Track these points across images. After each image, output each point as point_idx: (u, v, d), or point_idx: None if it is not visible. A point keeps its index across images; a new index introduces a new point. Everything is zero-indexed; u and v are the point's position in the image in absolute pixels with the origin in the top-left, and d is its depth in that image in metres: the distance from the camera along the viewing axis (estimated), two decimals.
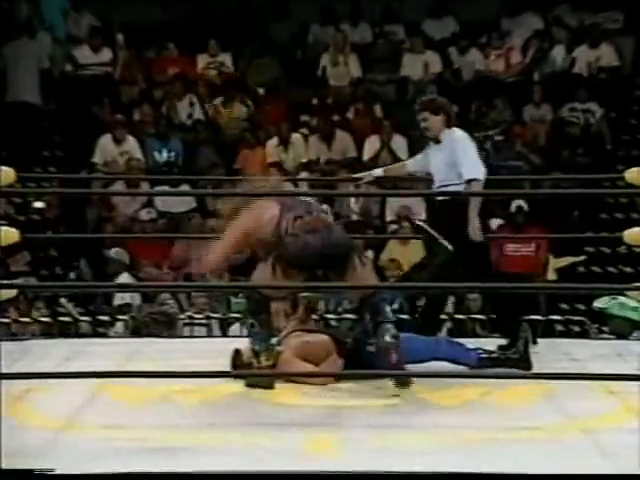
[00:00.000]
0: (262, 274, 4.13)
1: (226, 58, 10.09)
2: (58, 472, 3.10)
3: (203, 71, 10.07)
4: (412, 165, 5.09)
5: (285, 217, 4.09)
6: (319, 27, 10.29)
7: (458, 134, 4.78)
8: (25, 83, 9.47)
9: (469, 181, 4.66)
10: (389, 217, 8.72)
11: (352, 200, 8.74)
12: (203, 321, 7.19)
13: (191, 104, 9.72)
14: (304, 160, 9.22)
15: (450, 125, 4.79)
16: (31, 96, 9.50)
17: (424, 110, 4.84)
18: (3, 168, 3.51)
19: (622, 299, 5.64)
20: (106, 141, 9.12)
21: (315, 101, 9.80)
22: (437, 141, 4.81)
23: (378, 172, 5.16)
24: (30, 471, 3.11)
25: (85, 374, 3.94)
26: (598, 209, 8.93)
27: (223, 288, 6.98)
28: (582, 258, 8.48)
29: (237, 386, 4.09)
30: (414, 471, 3.14)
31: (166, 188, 8.29)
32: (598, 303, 5.88)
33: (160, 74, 10.02)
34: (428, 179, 4.90)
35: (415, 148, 9.25)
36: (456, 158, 4.69)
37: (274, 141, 9.30)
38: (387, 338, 4.07)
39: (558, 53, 9.93)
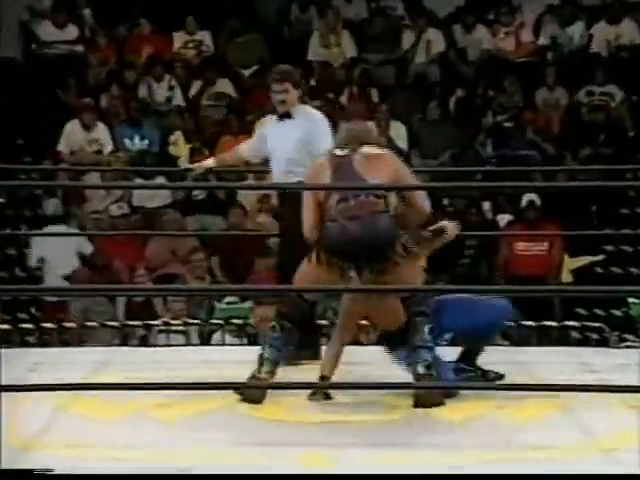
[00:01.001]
0: (304, 264, 4.11)
1: (205, 36, 10.08)
2: (57, 472, 3.22)
3: (180, 51, 10.06)
4: (247, 151, 5.08)
5: (332, 196, 4.07)
6: (306, 1, 10.27)
7: (316, 112, 4.93)
8: None
9: None
10: None
11: None
12: (180, 328, 7.19)
13: (170, 87, 9.70)
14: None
15: (302, 100, 4.93)
16: None
17: (286, 81, 4.91)
18: None
19: None
20: (73, 128, 9.09)
21: (308, 83, 9.78)
22: (288, 116, 4.86)
23: (209, 162, 5.21)
24: (30, 471, 3.25)
25: (69, 386, 3.93)
26: (619, 203, 8.94)
27: (209, 292, 6.98)
28: (600, 258, 8.49)
29: (218, 400, 4.10)
30: (413, 472, 3.15)
31: (140, 181, 8.29)
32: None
33: (132, 54, 10.00)
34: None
35: (417, 135, 9.32)
36: (314, 136, 4.79)
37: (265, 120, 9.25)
38: (420, 369, 4.04)
39: (575, 30, 9.94)
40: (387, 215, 4.00)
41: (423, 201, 4.13)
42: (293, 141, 4.84)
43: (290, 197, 4.71)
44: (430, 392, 4.04)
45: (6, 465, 3.31)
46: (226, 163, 5.28)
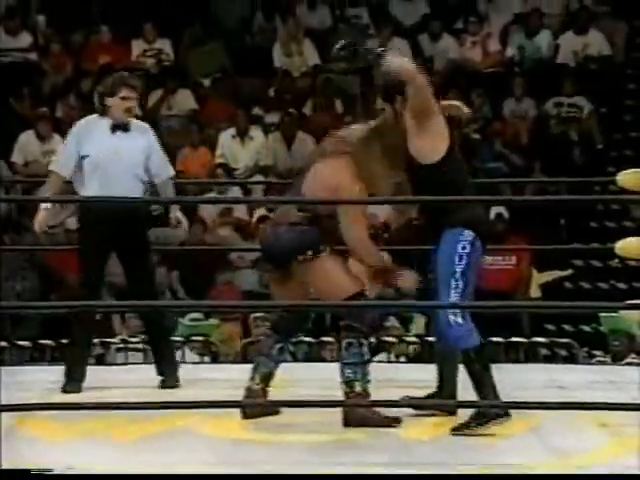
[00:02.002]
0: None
1: (165, 45, 10.06)
2: (57, 472, 3.26)
3: (138, 59, 10.03)
4: (66, 171, 4.85)
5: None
6: (269, 10, 10.28)
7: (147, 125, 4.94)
8: None
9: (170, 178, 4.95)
10: None
11: None
12: (139, 346, 7.14)
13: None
14: (261, 160, 9.21)
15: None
16: None
17: (135, 89, 4.88)
18: None
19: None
20: (28, 138, 9.03)
21: (269, 94, 9.79)
22: (126, 128, 4.83)
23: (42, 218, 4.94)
24: (29, 471, 3.30)
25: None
26: (587, 217, 9.01)
27: (171, 307, 6.93)
28: (569, 272, 8.55)
29: (175, 419, 4.08)
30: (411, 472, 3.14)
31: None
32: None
33: (89, 62, 9.95)
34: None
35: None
36: (152, 151, 4.85)
37: (230, 132, 9.27)
38: (344, 387, 4.09)
39: (542, 41, 10.01)
40: (297, 227, 4.14)
41: (348, 230, 4.10)
42: (137, 154, 4.83)
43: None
44: (354, 411, 4.04)
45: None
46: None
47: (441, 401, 4.20)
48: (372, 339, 4.20)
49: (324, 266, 4.11)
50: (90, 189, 4.77)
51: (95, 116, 4.89)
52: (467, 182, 4.24)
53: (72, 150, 4.82)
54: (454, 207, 4.12)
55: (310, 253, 4.11)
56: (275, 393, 4.24)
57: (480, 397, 3.99)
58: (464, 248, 4.12)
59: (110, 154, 4.78)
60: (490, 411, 3.98)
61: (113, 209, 4.77)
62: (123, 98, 4.80)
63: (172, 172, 5.05)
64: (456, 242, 4.11)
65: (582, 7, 10.19)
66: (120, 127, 4.81)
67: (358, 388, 4.09)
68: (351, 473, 3.46)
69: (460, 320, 4.04)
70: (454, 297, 4.07)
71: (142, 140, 4.86)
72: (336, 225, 4.13)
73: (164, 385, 4.79)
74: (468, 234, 4.12)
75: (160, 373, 4.84)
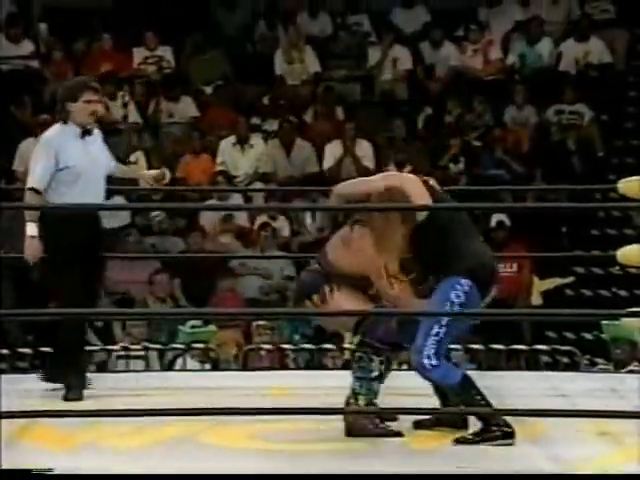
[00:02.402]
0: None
1: (166, 52, 10.07)
2: (57, 472, 3.27)
3: (140, 67, 10.04)
4: (44, 185, 4.75)
5: None
6: (270, 18, 10.30)
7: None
8: None
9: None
10: None
11: (308, 218, 8.78)
12: (140, 353, 7.15)
13: (124, 105, 9.67)
14: (260, 167, 9.23)
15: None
16: None
17: (98, 92, 4.88)
18: None
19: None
20: (28, 146, 9.01)
21: (269, 101, 9.81)
22: (89, 132, 4.82)
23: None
24: (29, 471, 3.30)
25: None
26: (588, 224, 9.01)
27: (174, 315, 6.95)
28: (570, 280, 8.55)
29: (180, 427, 4.08)
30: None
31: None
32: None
33: (90, 70, 9.96)
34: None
35: (383, 154, 9.35)
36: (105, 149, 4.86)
37: (230, 139, 9.29)
38: (361, 402, 4.07)
39: (543, 48, 10.02)
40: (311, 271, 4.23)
41: (386, 290, 4.07)
42: (103, 158, 4.84)
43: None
44: (356, 422, 4.03)
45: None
46: None
47: (447, 409, 4.19)
48: (387, 356, 4.14)
49: (337, 301, 4.11)
50: (71, 198, 4.70)
51: (59, 125, 4.83)
52: (465, 224, 4.10)
53: (51, 164, 4.74)
54: (452, 257, 3.95)
55: (315, 298, 4.12)
56: (278, 401, 4.24)
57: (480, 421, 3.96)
58: (458, 297, 3.95)
59: (88, 161, 4.77)
60: (495, 431, 3.93)
61: (91, 216, 4.77)
62: (87, 101, 4.78)
63: (114, 161, 5.03)
64: (450, 290, 3.96)
65: (583, 15, 10.19)
66: (87, 132, 4.80)
67: (361, 402, 4.07)
68: (351, 473, 3.44)
69: (435, 362, 3.93)
70: (430, 344, 3.93)
71: (101, 142, 4.89)
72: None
73: (68, 397, 4.67)
74: (465, 283, 3.94)
75: (54, 380, 4.75)
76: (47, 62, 9.92)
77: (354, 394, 4.09)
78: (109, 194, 7.60)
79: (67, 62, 9.99)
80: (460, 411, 4.08)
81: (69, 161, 4.73)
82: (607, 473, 3.35)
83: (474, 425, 4.01)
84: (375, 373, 4.08)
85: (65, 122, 4.79)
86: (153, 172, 5.19)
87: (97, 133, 4.88)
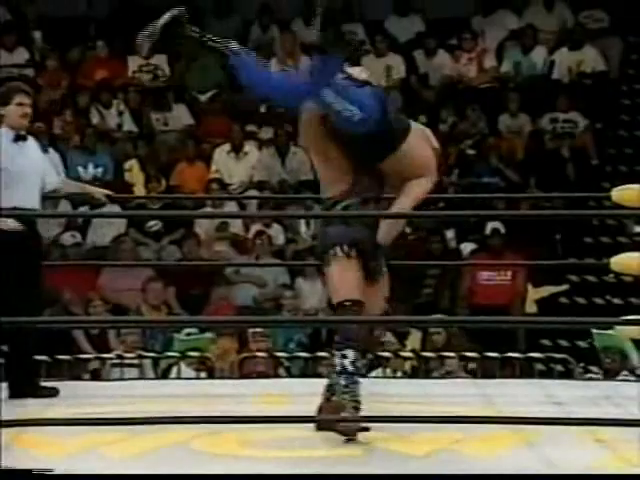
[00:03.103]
0: None
1: (161, 60, 10.07)
2: (58, 472, 3.28)
3: (135, 75, 10.04)
4: None
5: None
6: (263, 25, 10.30)
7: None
8: None
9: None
10: None
11: (302, 226, 8.77)
12: (135, 361, 7.12)
13: (120, 113, 9.66)
14: (255, 175, 9.22)
15: None
16: None
17: (30, 95, 4.84)
18: None
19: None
20: None
21: (264, 109, 9.81)
22: (25, 137, 4.81)
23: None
24: (29, 471, 3.30)
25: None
26: (582, 232, 9.01)
27: (169, 323, 6.92)
28: (564, 288, 8.54)
29: (173, 435, 4.06)
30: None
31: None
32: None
33: (85, 78, 9.96)
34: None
35: None
36: (45, 159, 4.88)
37: (225, 147, 9.29)
38: (345, 397, 4.04)
39: (537, 57, 10.03)
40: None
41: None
42: (40, 164, 4.82)
43: None
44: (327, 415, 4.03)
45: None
46: None
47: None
48: (366, 354, 4.13)
49: (335, 268, 4.07)
50: (9, 202, 4.63)
51: None
52: None
53: None
54: None
55: (332, 252, 4.06)
56: (272, 409, 4.22)
57: None
58: None
59: (23, 165, 4.74)
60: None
61: (28, 222, 4.73)
62: (19, 104, 4.77)
63: (62, 173, 5.06)
64: None
65: (577, 24, 10.21)
66: (21, 137, 4.79)
67: (335, 397, 4.06)
68: (351, 473, 3.42)
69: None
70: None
71: (38, 148, 4.88)
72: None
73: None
74: None
75: (22, 395, 4.71)
76: (41, 70, 9.90)
77: (329, 388, 4.08)
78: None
79: (62, 70, 9.98)
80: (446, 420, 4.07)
81: (2, 163, 4.71)
82: (607, 473, 3.32)
83: None
84: (350, 368, 4.03)
85: None
86: (100, 190, 5.23)
87: (33, 140, 4.88)
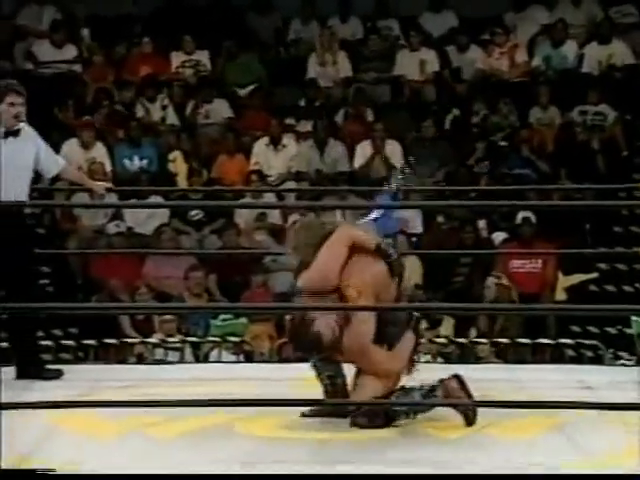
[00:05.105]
0: None
1: (203, 56, 10.07)
2: (59, 472, 3.24)
3: (177, 70, 10.05)
4: None
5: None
6: (303, 22, 10.28)
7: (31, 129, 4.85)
8: None
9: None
10: None
11: (338, 216, 8.73)
12: (176, 345, 7.14)
13: (163, 107, 9.68)
14: (293, 167, 9.21)
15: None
16: None
17: (22, 95, 4.80)
18: None
19: None
20: (71, 147, 9.03)
21: (302, 103, 9.79)
22: (15, 134, 4.76)
23: None
24: (32, 471, 3.26)
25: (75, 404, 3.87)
26: (612, 222, 8.91)
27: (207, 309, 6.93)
28: (594, 276, 8.46)
29: (214, 417, 4.05)
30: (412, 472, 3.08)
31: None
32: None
33: (131, 73, 9.98)
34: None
35: (411, 154, 9.30)
36: (40, 151, 4.83)
37: (263, 141, 9.28)
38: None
39: (567, 50, 9.94)
40: None
41: None
42: (30, 161, 4.79)
43: None
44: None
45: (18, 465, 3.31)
46: None
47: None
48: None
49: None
50: None
51: None
52: None
53: None
54: None
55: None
56: (310, 392, 4.20)
57: None
58: None
59: (6, 161, 4.71)
60: None
61: (14, 213, 4.73)
62: (11, 104, 4.76)
63: (62, 161, 5.07)
64: None
65: (606, 18, 10.11)
66: (11, 133, 4.77)
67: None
68: (351, 473, 3.39)
69: None
70: None
71: (31, 144, 4.84)
72: None
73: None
74: None
75: (28, 376, 4.71)
76: (89, 66, 9.94)
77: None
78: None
79: (108, 66, 10.01)
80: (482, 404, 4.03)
81: None
82: (607, 473, 3.27)
83: None
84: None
85: None
86: (99, 183, 5.29)
87: (29, 136, 4.83)
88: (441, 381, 4.03)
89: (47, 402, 3.91)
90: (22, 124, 4.82)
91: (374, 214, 4.21)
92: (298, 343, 3.95)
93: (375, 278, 4.01)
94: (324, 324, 3.85)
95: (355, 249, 4.02)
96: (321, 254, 3.98)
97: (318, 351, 3.93)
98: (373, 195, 4.32)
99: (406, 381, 4.09)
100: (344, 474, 3.36)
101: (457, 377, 4.02)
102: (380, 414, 3.96)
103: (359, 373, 4.07)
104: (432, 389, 4.02)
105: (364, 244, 4.03)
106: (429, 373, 4.20)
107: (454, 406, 3.97)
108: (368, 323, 3.95)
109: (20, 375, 4.75)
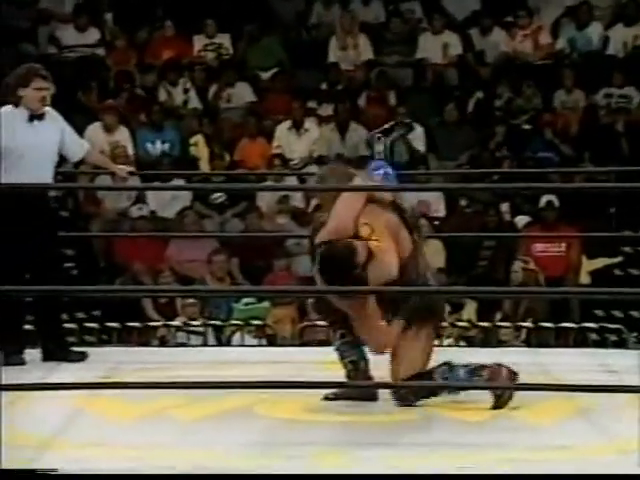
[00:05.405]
0: None
1: (225, 39, 10.05)
2: (61, 472, 3.20)
3: (199, 54, 10.04)
4: None
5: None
6: (324, 5, 10.23)
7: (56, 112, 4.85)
8: None
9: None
10: None
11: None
12: (200, 329, 7.16)
13: (185, 90, 9.67)
14: (315, 151, 9.19)
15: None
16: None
17: (47, 79, 4.79)
18: None
19: None
20: (95, 130, 9.05)
21: (324, 87, 9.76)
22: (41, 117, 4.76)
23: None
24: (32, 471, 3.20)
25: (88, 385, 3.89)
26: (637, 205, 8.84)
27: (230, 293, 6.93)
28: (618, 259, 8.40)
29: (235, 399, 4.05)
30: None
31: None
32: None
33: (153, 57, 9.98)
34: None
35: (434, 137, 9.26)
36: (65, 135, 4.82)
37: (286, 124, 9.26)
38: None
39: (592, 32, 9.86)
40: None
41: None
42: (55, 143, 4.78)
43: None
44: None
45: (18, 465, 3.26)
46: None
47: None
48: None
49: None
50: (12, 179, 4.61)
51: (10, 107, 4.78)
52: None
53: None
54: None
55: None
56: (332, 375, 4.19)
57: None
58: None
59: (31, 144, 4.72)
60: None
61: (38, 196, 4.73)
62: (37, 88, 4.75)
63: (87, 145, 5.07)
64: None
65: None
66: (36, 117, 4.77)
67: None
68: (351, 473, 3.37)
69: None
70: None
71: (55, 127, 4.84)
72: None
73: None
74: None
75: (54, 358, 4.73)
76: (111, 50, 9.95)
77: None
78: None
79: (130, 49, 10.02)
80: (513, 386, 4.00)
81: (11, 142, 4.69)
82: (607, 473, 3.25)
83: None
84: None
85: (16, 106, 4.77)
86: (122, 167, 5.30)
87: (53, 119, 4.83)
88: (490, 365, 4.00)
89: (71, 384, 3.92)
90: (47, 108, 4.82)
91: (381, 170, 4.19)
92: (331, 259, 3.86)
93: (389, 223, 4.02)
94: (360, 244, 3.87)
95: (370, 201, 4.02)
96: (337, 206, 3.99)
97: (348, 268, 3.84)
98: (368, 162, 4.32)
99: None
100: (346, 474, 3.34)
101: (511, 371, 3.99)
102: (424, 389, 3.95)
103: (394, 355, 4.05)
104: (478, 368, 4.00)
105: (379, 197, 4.04)
106: (453, 356, 4.19)
107: (494, 389, 3.94)
108: (391, 257, 3.93)
109: (46, 357, 4.78)
